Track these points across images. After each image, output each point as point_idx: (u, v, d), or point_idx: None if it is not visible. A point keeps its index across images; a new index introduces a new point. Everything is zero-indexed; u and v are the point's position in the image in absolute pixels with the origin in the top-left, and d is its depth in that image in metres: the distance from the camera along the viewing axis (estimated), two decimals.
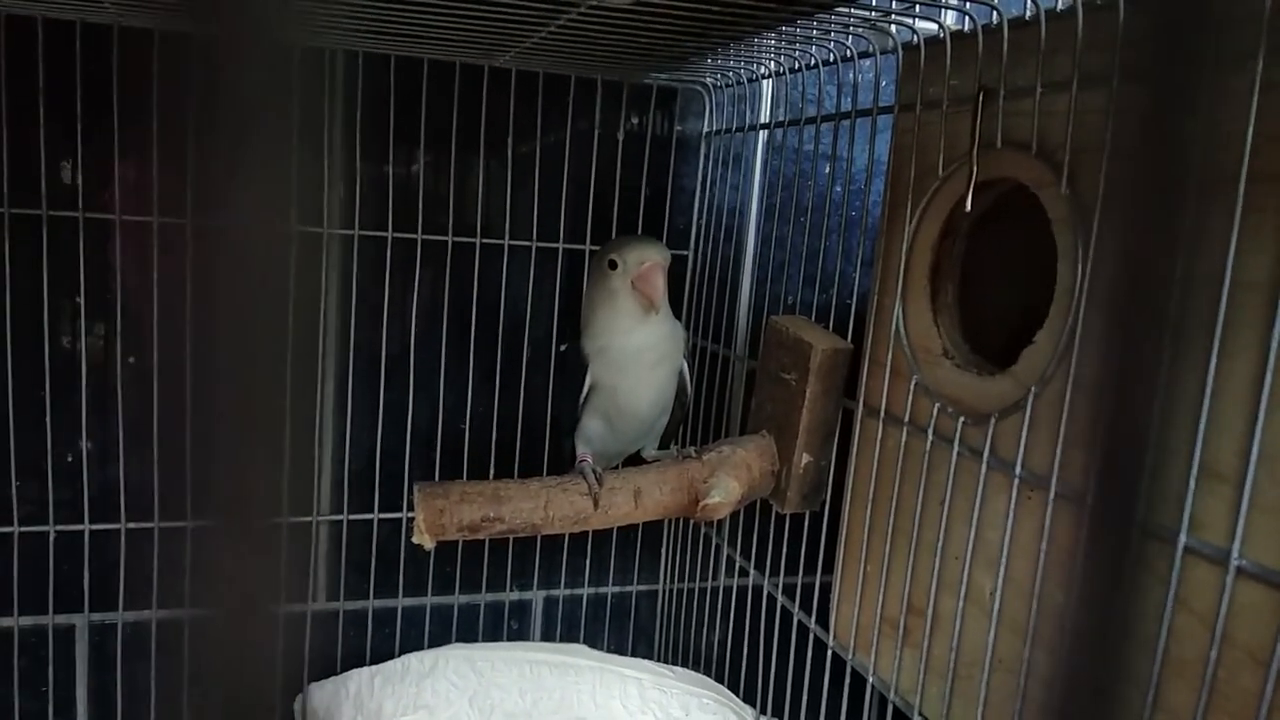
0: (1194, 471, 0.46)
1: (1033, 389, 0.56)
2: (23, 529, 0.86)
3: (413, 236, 0.93)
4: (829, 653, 0.76)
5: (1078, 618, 0.18)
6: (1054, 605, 0.54)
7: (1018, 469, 0.57)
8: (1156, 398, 0.16)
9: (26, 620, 0.88)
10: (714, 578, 0.99)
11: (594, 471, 0.73)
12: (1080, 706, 0.18)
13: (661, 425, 0.83)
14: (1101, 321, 0.17)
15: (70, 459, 0.87)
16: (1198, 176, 0.16)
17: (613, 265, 0.75)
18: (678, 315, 0.80)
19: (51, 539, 0.87)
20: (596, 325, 0.77)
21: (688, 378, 0.82)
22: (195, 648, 0.16)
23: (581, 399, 0.78)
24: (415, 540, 0.69)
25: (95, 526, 0.88)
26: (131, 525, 0.89)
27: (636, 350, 0.77)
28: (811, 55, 0.79)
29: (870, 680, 0.71)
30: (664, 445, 0.85)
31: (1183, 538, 0.46)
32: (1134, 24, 0.15)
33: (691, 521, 1.02)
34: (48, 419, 0.85)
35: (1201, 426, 0.45)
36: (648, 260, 0.74)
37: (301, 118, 0.15)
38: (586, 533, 1.03)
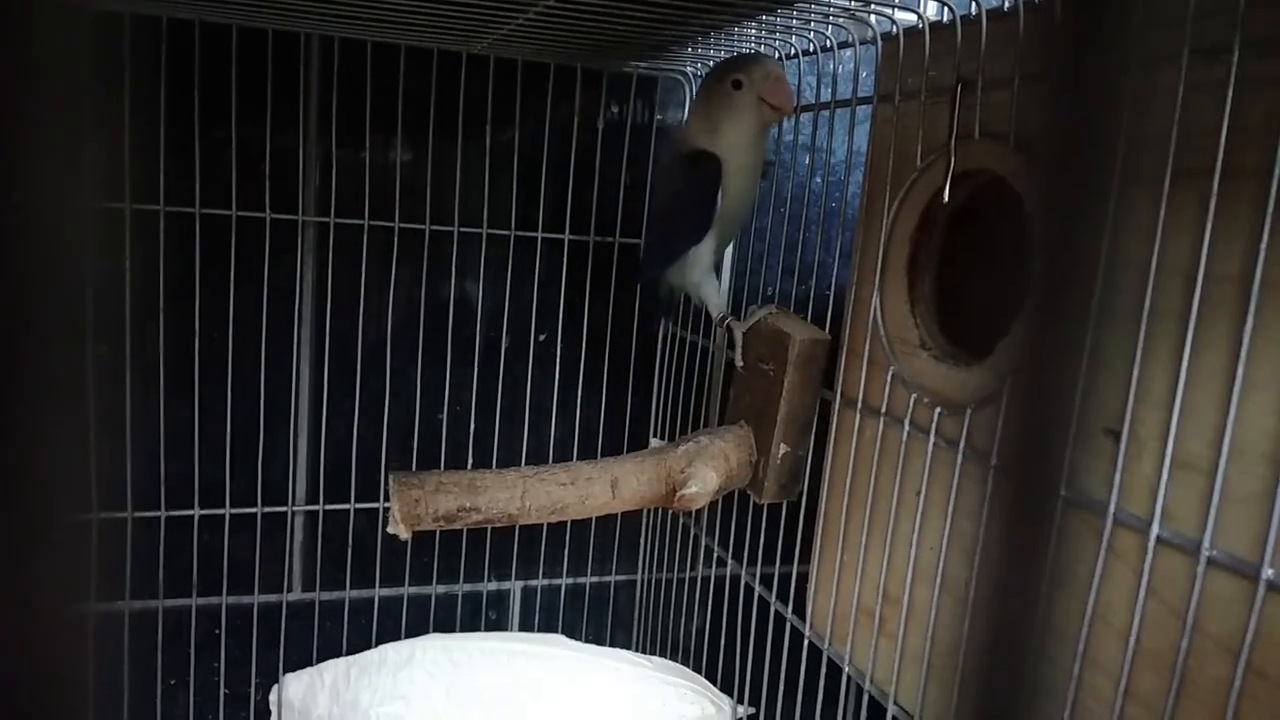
0: (1166, 462, 0.46)
1: (1008, 380, 0.56)
2: None
3: (390, 225, 0.93)
4: (806, 642, 0.76)
5: (995, 596, 0.18)
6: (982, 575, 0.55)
7: (993, 460, 0.57)
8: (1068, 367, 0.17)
9: None
10: (692, 568, 0.99)
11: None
12: (994, 683, 0.18)
13: None
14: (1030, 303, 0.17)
15: None
16: (1113, 168, 0.17)
17: (737, 85, 0.74)
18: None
19: None
20: (712, 138, 0.76)
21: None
22: None
23: (715, 217, 0.77)
24: (390, 530, 0.69)
25: None
26: None
27: (754, 165, 0.77)
28: (791, 45, 0.79)
29: (846, 669, 0.71)
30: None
31: (1155, 528, 0.46)
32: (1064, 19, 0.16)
33: (669, 512, 1.02)
34: None
35: (1174, 418, 0.46)
36: (773, 73, 0.74)
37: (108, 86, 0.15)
38: (565, 523, 1.03)
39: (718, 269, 0.89)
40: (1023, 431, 0.18)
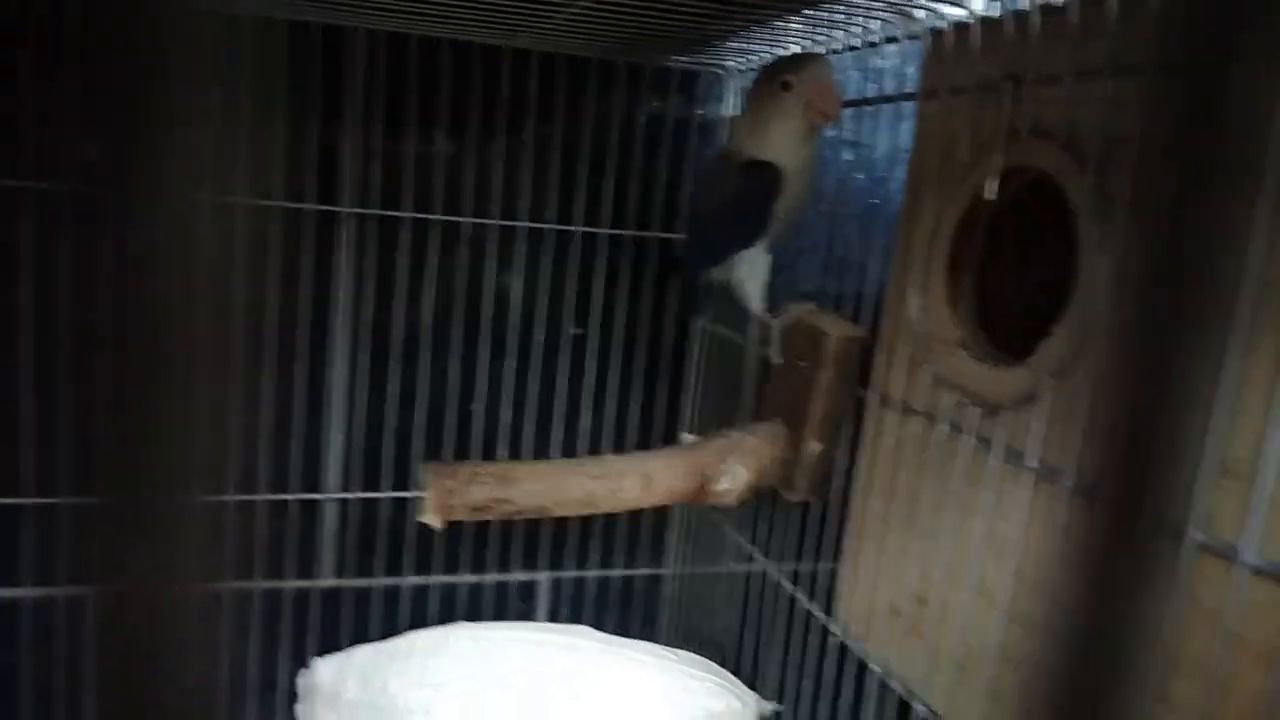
0: (1211, 468, 0.45)
1: (1049, 381, 0.55)
2: None
3: (430, 217, 0.93)
4: (835, 641, 0.76)
5: (1088, 618, 0.17)
6: (1067, 602, 0.54)
7: (1033, 462, 0.56)
8: (1174, 393, 0.16)
9: None
10: (721, 563, 0.98)
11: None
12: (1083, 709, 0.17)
13: None
14: (1122, 314, 0.16)
15: None
16: (1225, 172, 0.16)
17: (786, 86, 0.73)
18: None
19: None
20: (761, 143, 0.76)
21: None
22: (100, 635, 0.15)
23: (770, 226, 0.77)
24: (423, 519, 0.69)
25: None
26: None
27: (807, 167, 0.77)
28: (836, 40, 0.78)
29: (874, 669, 0.70)
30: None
31: (1195, 534, 0.46)
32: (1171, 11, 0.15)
33: (699, 507, 1.02)
34: None
35: (1218, 422, 0.45)
36: (824, 78, 0.73)
37: (248, 89, 0.15)
38: (594, 516, 1.03)
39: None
40: (1125, 457, 0.17)
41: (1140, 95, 0.50)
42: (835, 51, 0.79)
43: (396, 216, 0.92)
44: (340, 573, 0.99)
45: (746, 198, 0.78)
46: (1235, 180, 0.16)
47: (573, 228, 0.98)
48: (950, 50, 0.65)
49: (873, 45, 0.74)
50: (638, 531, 1.07)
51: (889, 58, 0.77)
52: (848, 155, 0.84)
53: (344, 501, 0.98)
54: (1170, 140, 0.16)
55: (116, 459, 0.15)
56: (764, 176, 0.75)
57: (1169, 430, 0.16)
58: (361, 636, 0.98)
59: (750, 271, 0.80)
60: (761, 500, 0.88)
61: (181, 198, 0.15)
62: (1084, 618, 0.17)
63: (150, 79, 0.14)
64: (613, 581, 1.08)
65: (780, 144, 0.75)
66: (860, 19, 0.72)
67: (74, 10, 0.78)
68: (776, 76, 0.74)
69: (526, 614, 1.06)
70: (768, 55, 0.89)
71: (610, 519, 1.05)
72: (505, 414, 1.00)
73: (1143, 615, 0.17)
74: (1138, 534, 0.17)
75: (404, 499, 0.99)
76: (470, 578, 1.03)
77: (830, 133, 0.83)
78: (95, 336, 0.15)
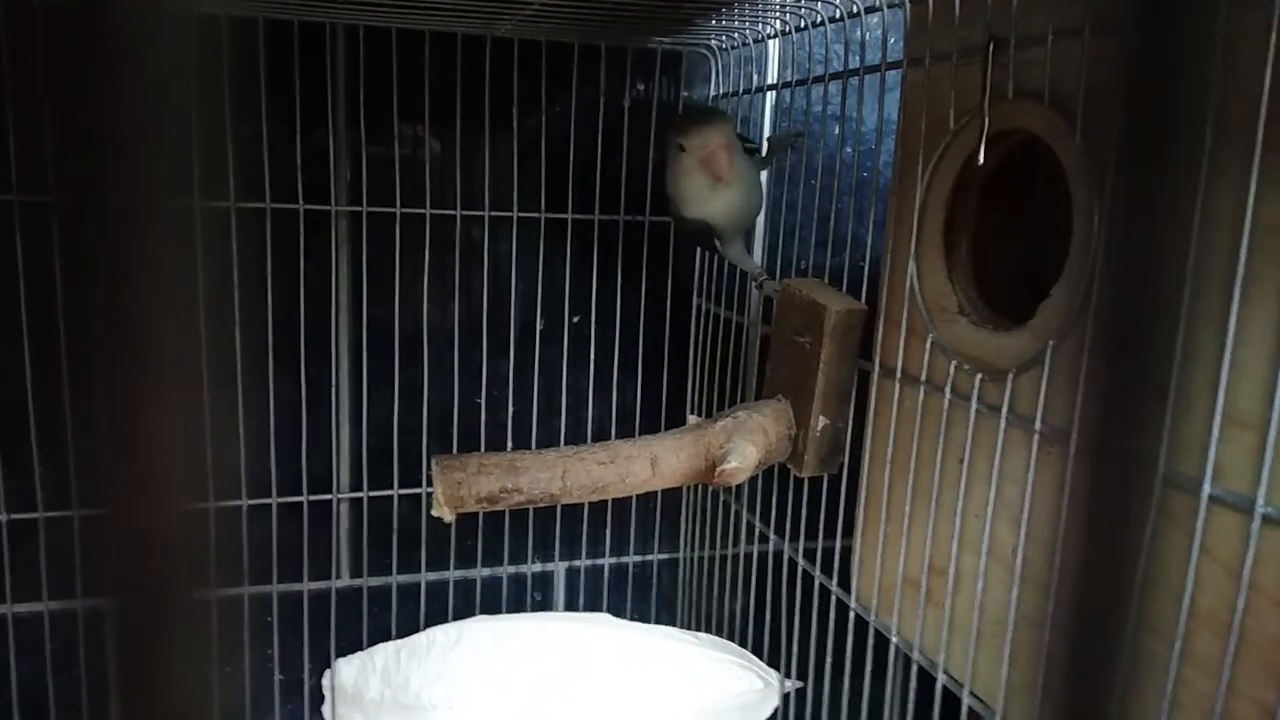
0: (1217, 419, 0.45)
1: (1050, 343, 0.55)
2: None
3: (421, 212, 0.93)
4: (852, 615, 0.76)
5: (1085, 558, 0.17)
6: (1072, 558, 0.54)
7: (1037, 424, 0.56)
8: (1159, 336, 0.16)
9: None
10: (734, 544, 0.99)
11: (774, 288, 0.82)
12: (1084, 647, 0.17)
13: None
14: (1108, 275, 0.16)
15: None
16: (1195, 124, 0.16)
17: (681, 149, 0.79)
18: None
19: None
20: (680, 199, 0.83)
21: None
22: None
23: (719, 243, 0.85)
24: (434, 513, 0.69)
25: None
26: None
27: (715, 213, 0.82)
28: (817, 12, 0.78)
29: (894, 641, 0.71)
30: None
31: (1206, 486, 0.46)
32: None
33: (710, 488, 1.02)
34: None
35: (1224, 374, 0.45)
36: (710, 143, 0.77)
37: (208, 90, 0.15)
38: (606, 503, 1.04)
39: (749, 235, 0.95)
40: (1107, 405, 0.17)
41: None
42: (817, 25, 0.79)
43: (388, 212, 0.92)
44: (357, 572, 1.00)
45: (693, 241, 0.90)
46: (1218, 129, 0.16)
47: (564, 215, 0.97)
48: (932, 16, 0.64)
49: (854, 16, 0.73)
50: (650, 516, 1.07)
51: (872, 27, 0.76)
52: (836, 129, 0.83)
53: (357, 501, 0.98)
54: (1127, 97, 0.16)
55: (104, 470, 0.15)
56: (697, 230, 0.84)
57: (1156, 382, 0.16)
58: (382, 634, 0.99)
59: (732, 253, 0.87)
60: (771, 478, 0.88)
61: (166, 204, 0.15)
62: (1085, 570, 0.17)
63: (126, 84, 0.14)
64: (628, 568, 1.08)
65: (694, 197, 0.81)
66: None
67: (46, 17, 0.77)
68: (675, 137, 0.79)
69: (544, 604, 1.06)
70: (750, 32, 0.88)
71: (622, 505, 1.05)
72: (510, 405, 1.00)
73: (1136, 564, 0.17)
74: (1126, 481, 0.17)
75: (416, 495, 0.99)
76: (486, 571, 1.03)
77: (815, 107, 0.82)
78: (85, 348, 0.15)
